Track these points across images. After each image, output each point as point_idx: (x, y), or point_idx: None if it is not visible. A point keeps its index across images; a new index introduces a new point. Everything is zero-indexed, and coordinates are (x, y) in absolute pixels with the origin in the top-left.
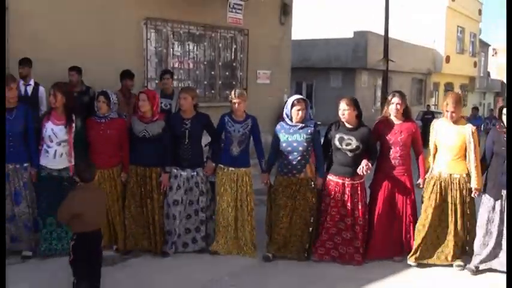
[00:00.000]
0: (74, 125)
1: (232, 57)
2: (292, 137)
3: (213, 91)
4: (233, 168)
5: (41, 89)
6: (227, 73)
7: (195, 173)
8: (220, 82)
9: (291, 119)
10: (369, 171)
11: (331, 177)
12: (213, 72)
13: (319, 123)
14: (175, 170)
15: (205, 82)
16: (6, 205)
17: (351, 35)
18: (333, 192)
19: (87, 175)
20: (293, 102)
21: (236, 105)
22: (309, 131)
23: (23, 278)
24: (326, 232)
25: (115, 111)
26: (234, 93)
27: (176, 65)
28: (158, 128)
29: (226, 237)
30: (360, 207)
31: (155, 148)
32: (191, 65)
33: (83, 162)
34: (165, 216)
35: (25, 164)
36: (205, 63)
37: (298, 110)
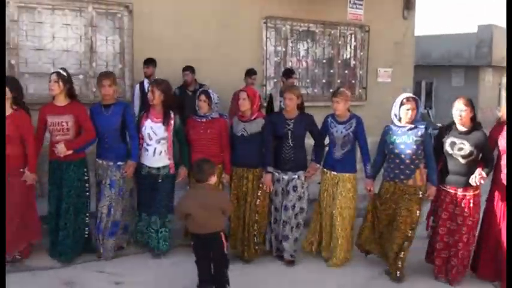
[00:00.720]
0: (172, 122)
1: (352, 54)
2: (399, 138)
3: (331, 90)
4: (335, 173)
5: None
6: (346, 71)
7: (296, 177)
8: (339, 81)
9: (399, 120)
10: (482, 182)
11: (442, 187)
12: (331, 71)
13: (439, 125)
14: (277, 174)
15: (324, 81)
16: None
17: (475, 30)
18: (443, 204)
19: (199, 175)
20: (402, 101)
21: (335, 104)
22: (419, 133)
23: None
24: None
25: (216, 110)
26: (335, 92)
27: (295, 64)
28: (257, 127)
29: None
30: (468, 222)
31: (253, 148)
32: (309, 64)
33: (197, 161)
34: (273, 221)
35: (118, 163)
36: (324, 61)
37: (408, 109)
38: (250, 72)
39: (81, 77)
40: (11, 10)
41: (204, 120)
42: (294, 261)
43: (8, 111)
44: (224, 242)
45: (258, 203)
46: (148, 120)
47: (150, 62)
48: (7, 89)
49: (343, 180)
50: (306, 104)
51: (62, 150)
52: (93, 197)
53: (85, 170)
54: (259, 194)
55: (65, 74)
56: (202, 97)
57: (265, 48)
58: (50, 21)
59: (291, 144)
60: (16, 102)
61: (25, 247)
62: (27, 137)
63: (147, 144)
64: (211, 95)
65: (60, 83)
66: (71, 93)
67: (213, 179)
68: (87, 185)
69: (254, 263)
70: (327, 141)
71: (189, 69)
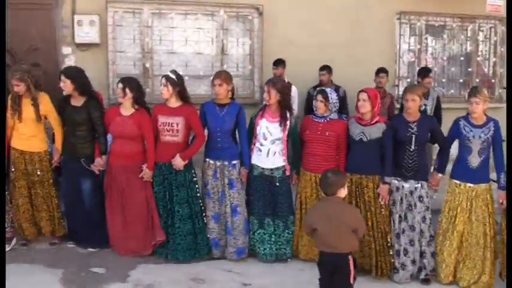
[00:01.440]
0: (288, 122)
1: (492, 51)
2: None
3: (468, 90)
4: (471, 185)
5: (293, 88)
6: (485, 69)
7: (420, 185)
8: (477, 80)
9: None
10: None
11: None
12: (469, 69)
13: None
14: (396, 181)
15: (461, 80)
16: (211, 204)
17: None
18: None
19: (327, 188)
20: None
21: (474, 105)
22: None
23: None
24: None
25: (335, 111)
26: (473, 91)
27: (429, 62)
28: (378, 131)
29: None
30: None
31: (373, 155)
32: (445, 62)
33: (325, 172)
34: (395, 235)
35: (233, 162)
36: (461, 58)
37: None
38: (378, 71)
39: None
40: (145, 16)
41: (322, 121)
42: (430, 280)
43: (130, 111)
44: (351, 269)
45: (383, 212)
46: (264, 120)
47: (279, 62)
48: (127, 89)
49: (482, 193)
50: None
51: (180, 164)
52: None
53: (193, 171)
54: (382, 203)
55: (173, 77)
56: (319, 97)
57: (398, 45)
58: (183, 25)
59: (414, 150)
60: (137, 102)
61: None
62: (148, 136)
63: (261, 145)
64: (329, 95)
65: (169, 87)
66: (182, 95)
67: (343, 192)
68: (197, 186)
69: (381, 281)
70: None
71: (326, 69)
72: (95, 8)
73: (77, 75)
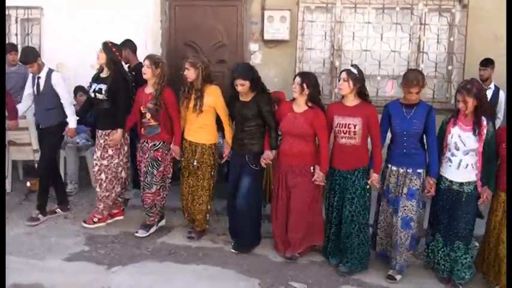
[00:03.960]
0: (485, 131)
1: None
2: None
3: None
4: None
5: (501, 93)
6: None
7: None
8: None
9: None
10: None
11: None
12: None
13: None
14: None
15: None
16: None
17: None
18: None
19: None
20: None
21: None
22: None
23: None
24: None
25: None
26: None
27: None
28: None
29: None
30: None
31: None
32: None
33: None
34: None
35: (418, 170)
36: None
37: None
38: None
39: None
40: (337, 11)
41: None
42: None
43: (303, 108)
44: None
45: None
46: (456, 128)
47: (488, 63)
48: (305, 85)
49: None
50: None
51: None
52: None
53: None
54: None
55: (355, 71)
56: None
57: None
58: (377, 21)
59: None
60: (312, 100)
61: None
62: (321, 136)
63: (452, 155)
64: None
65: (350, 82)
66: (361, 93)
67: None
68: (368, 194)
69: None
70: None
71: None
72: (285, 4)
73: (249, 73)
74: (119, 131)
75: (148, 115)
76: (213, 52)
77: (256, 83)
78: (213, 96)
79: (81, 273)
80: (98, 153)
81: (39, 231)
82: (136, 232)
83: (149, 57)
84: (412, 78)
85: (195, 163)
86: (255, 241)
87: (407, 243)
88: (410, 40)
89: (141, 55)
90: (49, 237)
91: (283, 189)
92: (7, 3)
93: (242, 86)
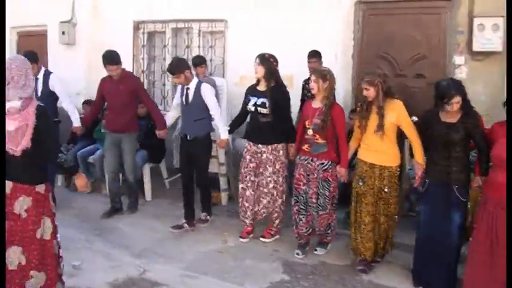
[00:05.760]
0: None
1: None
2: None
3: None
4: None
5: None
6: None
7: None
8: None
9: None
10: None
11: None
12: None
13: None
14: None
15: None
16: None
17: None
18: None
19: None
20: None
21: None
22: None
23: None
24: None
25: None
26: None
27: None
28: None
29: None
30: None
31: None
32: None
33: None
34: None
35: None
36: None
37: None
38: None
39: None
40: None
41: None
42: None
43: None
44: None
45: None
46: None
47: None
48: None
49: None
50: None
51: None
52: None
53: None
54: None
55: None
56: None
57: None
58: None
59: None
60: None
61: None
62: None
63: None
64: None
65: None
66: None
67: None
68: None
69: None
70: None
71: None
72: (498, 9)
73: (462, 88)
74: (293, 145)
75: (311, 131)
76: (411, 65)
77: (467, 101)
78: (397, 112)
79: None
80: (270, 169)
81: (230, 251)
82: (315, 250)
83: (316, 71)
84: None
85: (386, 190)
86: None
87: None
88: None
89: (331, 67)
90: (242, 259)
91: (487, 225)
92: (190, 16)
93: (457, 103)
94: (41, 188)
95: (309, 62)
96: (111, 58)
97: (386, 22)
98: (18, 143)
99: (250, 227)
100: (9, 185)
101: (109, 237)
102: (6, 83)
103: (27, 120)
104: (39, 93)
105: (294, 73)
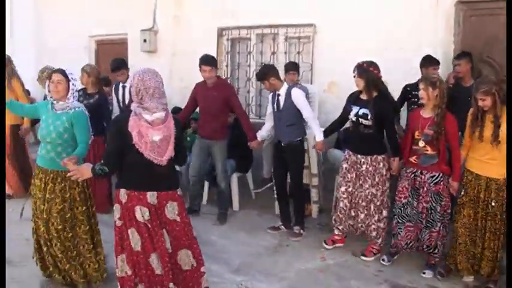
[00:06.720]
0: None
1: None
2: None
3: None
4: None
5: None
6: None
7: None
8: None
9: None
10: None
11: None
12: None
13: None
14: None
15: None
16: None
17: None
18: None
19: None
20: None
21: None
22: None
23: None
24: None
25: None
26: None
27: None
28: None
29: None
30: None
31: None
32: None
33: None
34: None
35: None
36: None
37: None
38: None
39: None
40: None
41: None
42: None
43: None
44: None
45: None
46: None
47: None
48: None
49: None
50: None
51: None
52: None
53: None
54: None
55: None
56: None
57: None
58: None
59: None
60: None
61: None
62: None
63: None
64: None
65: None
66: None
67: None
68: None
69: None
70: None
71: None
72: None
73: None
74: (396, 159)
75: (422, 143)
76: None
77: None
78: None
79: None
80: (369, 181)
81: (331, 268)
82: (423, 273)
83: (425, 78)
84: None
85: (493, 203)
86: None
87: None
88: None
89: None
90: (347, 280)
91: None
92: (277, 22)
93: None
94: (180, 192)
95: (427, 68)
96: (207, 59)
97: (489, 24)
98: (163, 153)
99: (338, 237)
100: (153, 195)
101: (206, 250)
102: (135, 96)
103: (170, 130)
104: (126, 102)
105: (389, 79)
